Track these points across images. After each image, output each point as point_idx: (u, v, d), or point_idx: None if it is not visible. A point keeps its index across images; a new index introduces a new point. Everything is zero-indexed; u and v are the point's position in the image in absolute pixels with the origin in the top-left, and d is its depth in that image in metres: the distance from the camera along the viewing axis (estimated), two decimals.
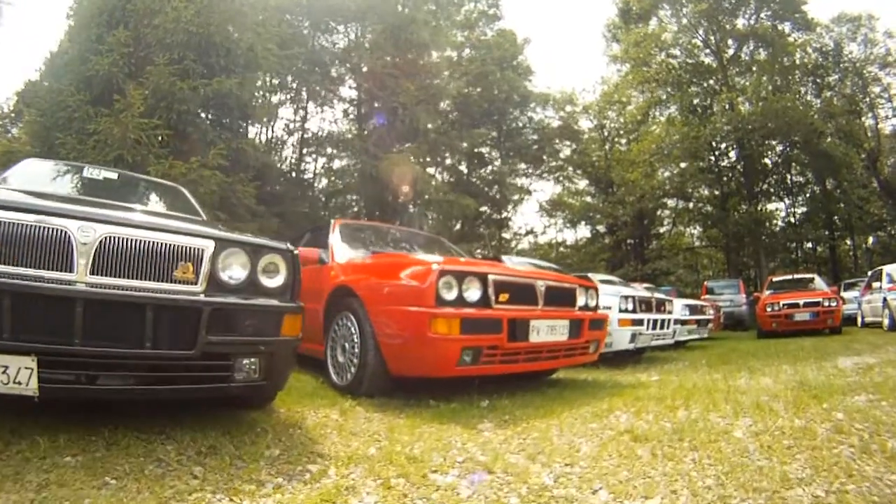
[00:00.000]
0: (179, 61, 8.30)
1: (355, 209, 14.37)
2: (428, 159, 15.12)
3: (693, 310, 7.92)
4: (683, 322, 7.54)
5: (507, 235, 24.78)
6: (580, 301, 3.95)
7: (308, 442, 2.18)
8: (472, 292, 3.10)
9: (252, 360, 2.03)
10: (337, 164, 15.48)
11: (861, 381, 3.48)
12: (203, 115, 8.79)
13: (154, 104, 7.93)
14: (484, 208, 22.36)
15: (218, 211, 8.73)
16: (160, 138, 7.86)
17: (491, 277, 3.21)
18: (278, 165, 16.60)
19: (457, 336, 2.88)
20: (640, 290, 10.15)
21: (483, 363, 3.03)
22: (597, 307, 4.21)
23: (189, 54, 8.41)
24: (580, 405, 3.07)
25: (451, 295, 2.99)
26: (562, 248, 26.48)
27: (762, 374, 4.33)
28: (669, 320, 6.03)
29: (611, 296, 5.38)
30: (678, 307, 7.55)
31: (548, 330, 3.37)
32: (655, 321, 5.70)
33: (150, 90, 7.96)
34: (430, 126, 13.83)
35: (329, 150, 16.36)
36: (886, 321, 9.35)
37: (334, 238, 4.25)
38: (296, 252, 2.33)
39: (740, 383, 3.80)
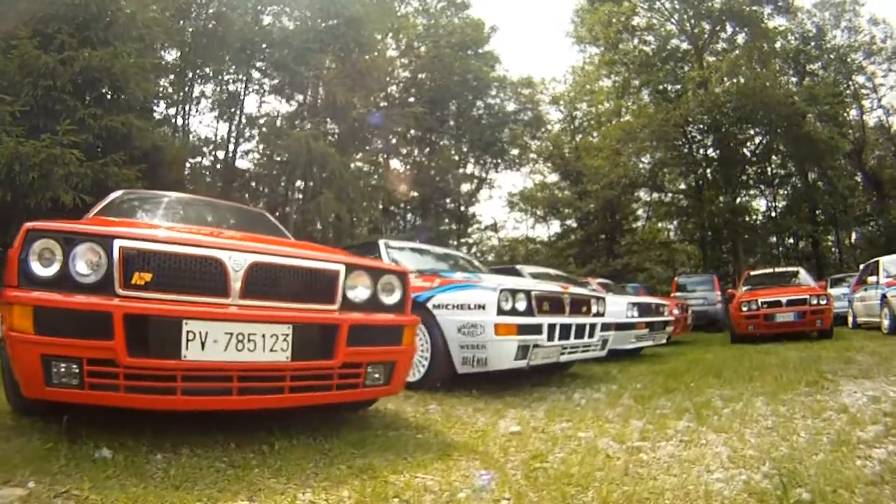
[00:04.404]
0: (54, 35, 7.75)
1: (265, 195, 12.36)
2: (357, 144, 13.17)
3: (644, 310, 6.02)
4: (628, 326, 5.66)
5: (469, 230, 22.97)
6: (356, 294, 2.23)
7: None
8: (87, 267, 1.79)
9: None
10: (247, 146, 13.48)
11: None
12: (72, 91, 7.84)
13: (20, 80, 7.48)
14: (443, 201, 20.59)
15: (87, 195, 7.50)
16: (16, 115, 7.14)
17: (119, 243, 1.80)
18: (204, 150, 14.62)
19: (31, 336, 1.68)
20: (595, 285, 8.32)
21: (95, 387, 1.72)
22: (401, 306, 2.34)
23: (65, 27, 7.87)
24: None
25: (49, 270, 1.77)
26: (531, 245, 24.78)
27: (716, 422, 2.42)
28: (594, 325, 4.11)
29: (486, 290, 3.44)
30: (621, 307, 5.66)
31: (232, 340, 1.82)
32: (568, 327, 3.78)
33: (17, 65, 7.41)
34: (355, 104, 11.89)
35: (250, 133, 14.35)
36: (886, 322, 7.58)
37: (96, 211, 3.35)
38: None
39: (663, 456, 1.88)
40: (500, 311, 3.36)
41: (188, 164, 11.75)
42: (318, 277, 2.15)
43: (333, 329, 2.05)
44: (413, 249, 5.32)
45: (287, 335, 1.92)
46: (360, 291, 2.27)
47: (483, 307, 3.39)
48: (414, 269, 4.63)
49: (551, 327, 3.59)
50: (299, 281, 2.09)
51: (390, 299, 2.38)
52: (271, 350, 1.88)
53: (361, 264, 2.37)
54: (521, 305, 3.51)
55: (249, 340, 1.84)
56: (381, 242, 5.02)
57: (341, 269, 2.21)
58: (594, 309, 4.27)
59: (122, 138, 8.47)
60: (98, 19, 8.24)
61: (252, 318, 1.88)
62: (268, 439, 2.06)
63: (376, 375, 2.23)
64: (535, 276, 6.88)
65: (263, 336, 1.87)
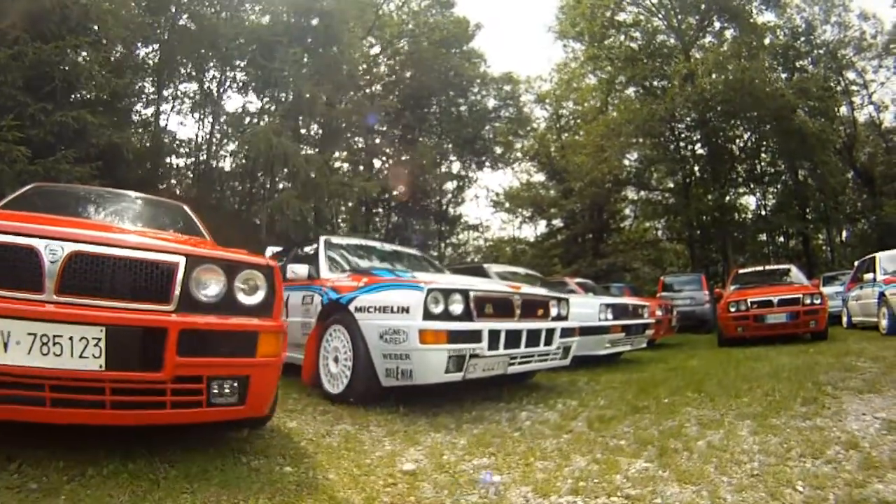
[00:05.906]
0: (7, 31, 7.55)
1: (238, 193, 11.69)
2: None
3: (619, 312, 5.40)
4: (600, 330, 5.04)
5: (455, 230, 22.41)
6: (204, 292, 1.79)
7: None
8: None
9: None
10: (218, 143, 12.81)
11: None
12: (23, 86, 7.58)
13: None
14: (426, 201, 19.99)
15: None
16: None
17: None
18: (180, 150, 13.89)
19: None
20: (572, 285, 7.73)
21: None
22: (265, 308, 1.83)
23: (19, 22, 7.67)
24: None
25: None
26: (518, 245, 24.24)
27: (684, 464, 1.80)
28: (551, 330, 3.49)
29: (412, 290, 2.81)
30: (593, 309, 5.05)
31: (36, 342, 1.53)
32: (516, 333, 3.16)
33: None
34: (326, 99, 11.29)
35: (220, 130, 13.68)
36: (884, 322, 7.02)
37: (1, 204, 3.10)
38: None
39: None
40: (428, 315, 2.73)
41: (167, 163, 11.08)
42: (149, 271, 1.73)
43: (160, 334, 1.66)
44: (357, 246, 4.70)
45: (99, 339, 1.59)
46: (209, 290, 1.81)
47: (406, 310, 2.76)
48: (350, 267, 4.03)
49: (494, 334, 2.96)
50: (127, 275, 1.71)
51: (251, 300, 1.85)
52: (81, 356, 1.58)
53: (210, 256, 1.82)
54: (457, 308, 2.88)
55: (55, 344, 1.56)
56: (322, 239, 4.43)
57: (180, 261, 1.76)
58: (553, 312, 3.65)
59: (76, 134, 8.12)
60: (52, 12, 7.96)
61: (58, 318, 1.57)
62: (102, 459, 1.74)
63: (226, 392, 1.77)
64: (502, 275, 6.27)
65: (71, 339, 1.57)
